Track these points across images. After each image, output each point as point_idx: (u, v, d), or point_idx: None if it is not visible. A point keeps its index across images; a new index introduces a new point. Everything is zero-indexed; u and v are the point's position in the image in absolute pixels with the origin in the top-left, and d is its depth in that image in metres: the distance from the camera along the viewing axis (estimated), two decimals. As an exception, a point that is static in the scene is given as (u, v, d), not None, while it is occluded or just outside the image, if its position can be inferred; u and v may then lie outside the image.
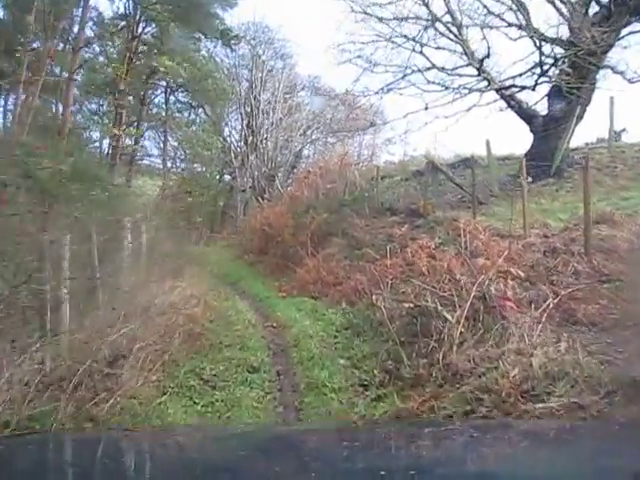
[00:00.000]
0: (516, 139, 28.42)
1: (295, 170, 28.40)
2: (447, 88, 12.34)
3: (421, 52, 12.34)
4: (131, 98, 23.32)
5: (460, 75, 12.53)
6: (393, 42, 12.53)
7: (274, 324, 7.88)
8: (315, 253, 13.06)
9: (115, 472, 1.57)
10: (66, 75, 15.36)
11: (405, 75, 13.95)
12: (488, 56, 12.86)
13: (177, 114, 24.82)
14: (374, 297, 7.20)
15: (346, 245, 13.11)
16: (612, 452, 1.68)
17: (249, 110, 28.20)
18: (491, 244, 8.32)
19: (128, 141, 21.79)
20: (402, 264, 9.53)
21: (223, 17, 21.87)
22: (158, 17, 14.97)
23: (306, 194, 17.09)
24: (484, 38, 12.52)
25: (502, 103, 13.55)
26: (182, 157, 31.22)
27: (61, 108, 16.96)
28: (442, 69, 12.59)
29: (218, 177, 35.98)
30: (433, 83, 12.47)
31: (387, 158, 25.16)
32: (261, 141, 27.86)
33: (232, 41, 20.84)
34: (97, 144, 26.42)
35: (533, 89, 11.92)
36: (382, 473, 1.40)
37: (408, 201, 14.13)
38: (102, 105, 26.49)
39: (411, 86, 13.02)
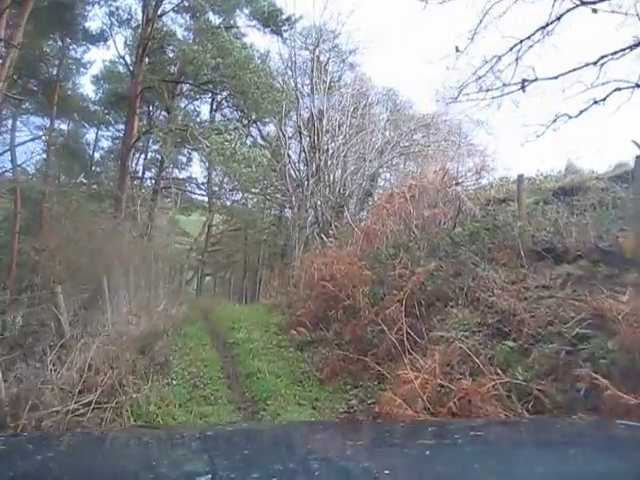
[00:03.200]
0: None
1: (371, 198, 22.19)
2: None
3: None
4: (159, 112, 18.13)
5: None
6: None
7: None
8: (418, 341, 6.65)
9: None
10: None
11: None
12: None
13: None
14: None
15: (479, 324, 6.61)
16: None
17: (310, 126, 22.58)
18: None
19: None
20: None
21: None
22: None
23: (392, 227, 10.74)
24: None
25: None
26: (232, 187, 25.79)
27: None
28: None
29: (279, 212, 30.39)
30: None
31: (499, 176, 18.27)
32: (326, 163, 21.97)
33: (283, 27, 15.12)
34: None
35: None
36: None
37: (592, 236, 7.45)
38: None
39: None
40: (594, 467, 1.45)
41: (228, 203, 26.82)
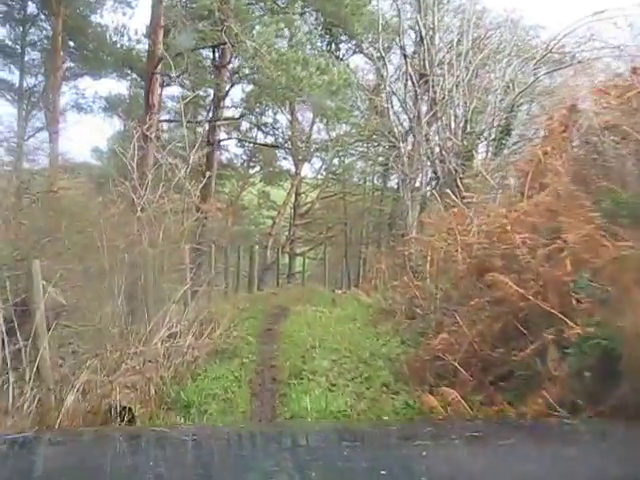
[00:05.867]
0: None
1: (509, 138, 16.01)
2: None
3: None
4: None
5: None
6: None
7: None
8: None
9: None
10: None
11: None
12: None
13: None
14: None
15: None
16: None
17: (419, 50, 16.75)
18: None
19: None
20: None
21: None
22: None
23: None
24: None
25: None
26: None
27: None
28: None
29: (382, 172, 24.68)
30: None
31: None
32: (444, 96, 15.97)
33: None
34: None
35: None
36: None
37: None
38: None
39: None
40: (591, 468, 1.43)
41: (318, 162, 21.51)
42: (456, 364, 4.40)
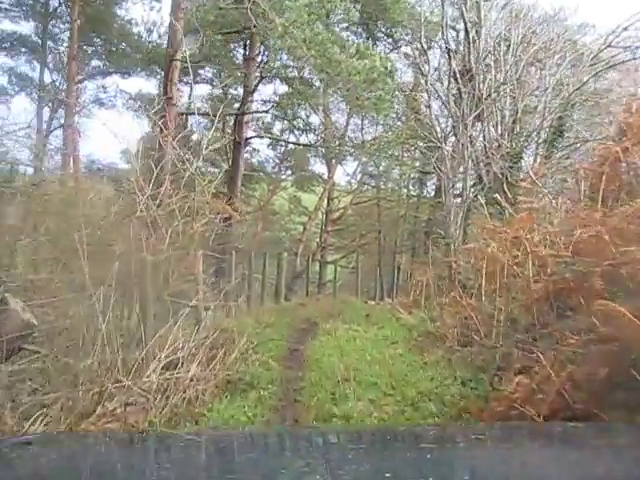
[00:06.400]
0: None
1: (561, 140, 14.69)
2: None
3: None
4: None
5: None
6: None
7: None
8: None
9: None
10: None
11: None
12: None
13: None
14: None
15: None
16: None
17: (463, 44, 15.61)
18: None
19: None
20: None
21: None
22: None
23: None
24: None
25: None
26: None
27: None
28: None
29: (418, 176, 23.44)
30: None
31: None
32: (489, 95, 14.75)
33: None
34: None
35: None
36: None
37: None
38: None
39: None
40: (596, 470, 1.41)
41: (352, 166, 20.43)
42: (540, 419, 3.25)
